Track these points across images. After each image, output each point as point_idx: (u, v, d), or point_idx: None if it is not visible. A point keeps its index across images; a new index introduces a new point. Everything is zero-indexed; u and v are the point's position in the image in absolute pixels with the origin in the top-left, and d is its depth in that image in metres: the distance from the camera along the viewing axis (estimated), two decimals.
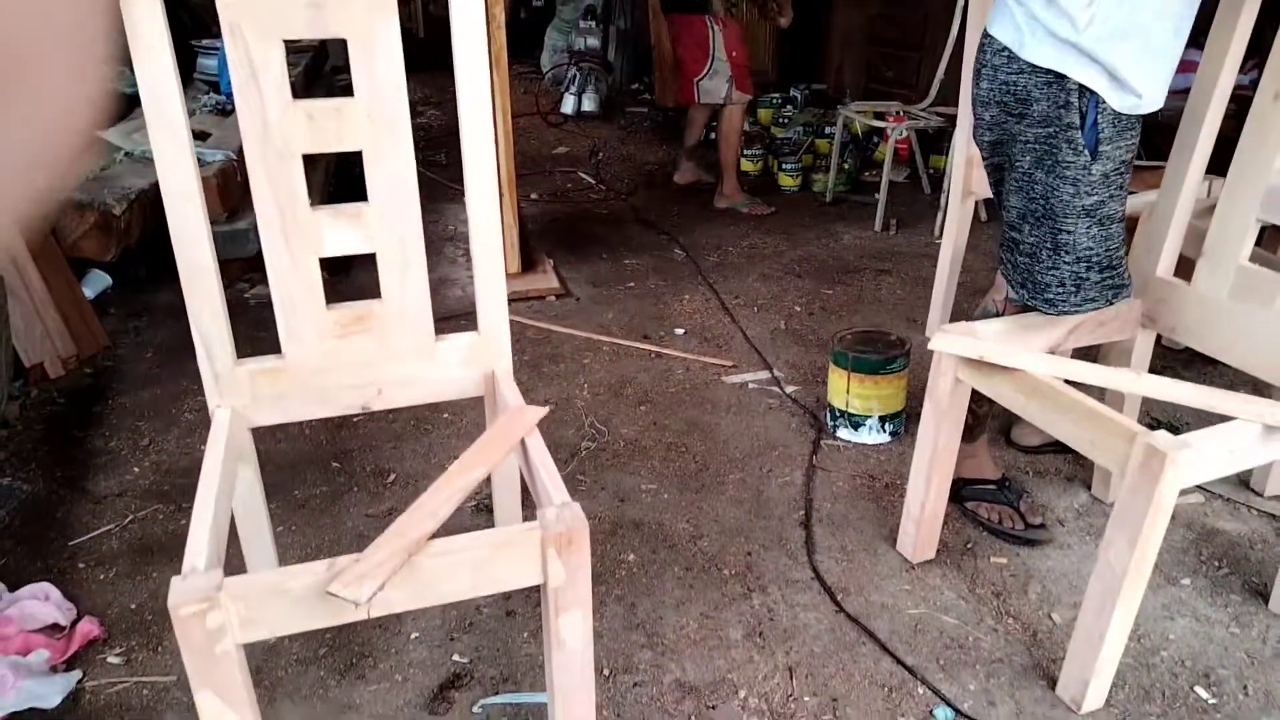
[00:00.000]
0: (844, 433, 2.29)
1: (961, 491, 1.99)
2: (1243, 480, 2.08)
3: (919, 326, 2.86)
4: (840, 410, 2.29)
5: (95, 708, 1.51)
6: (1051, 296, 1.67)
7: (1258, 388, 1.78)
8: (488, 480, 1.91)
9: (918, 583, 1.79)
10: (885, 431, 2.27)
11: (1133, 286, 1.73)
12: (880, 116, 4.09)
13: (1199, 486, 2.07)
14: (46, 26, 0.28)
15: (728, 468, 2.17)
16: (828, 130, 4.50)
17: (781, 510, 2.01)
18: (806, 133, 4.78)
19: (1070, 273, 1.64)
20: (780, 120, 5.07)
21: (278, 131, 1.37)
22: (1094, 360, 1.86)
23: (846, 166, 4.39)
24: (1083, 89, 1.53)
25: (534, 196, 4.31)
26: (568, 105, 5.96)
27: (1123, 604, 1.41)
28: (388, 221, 1.47)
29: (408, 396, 1.58)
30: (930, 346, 1.66)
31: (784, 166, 4.45)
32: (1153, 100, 1.57)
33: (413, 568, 1.14)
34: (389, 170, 1.44)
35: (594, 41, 6.69)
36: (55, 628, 1.65)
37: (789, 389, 2.53)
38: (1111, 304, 1.70)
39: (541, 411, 1.43)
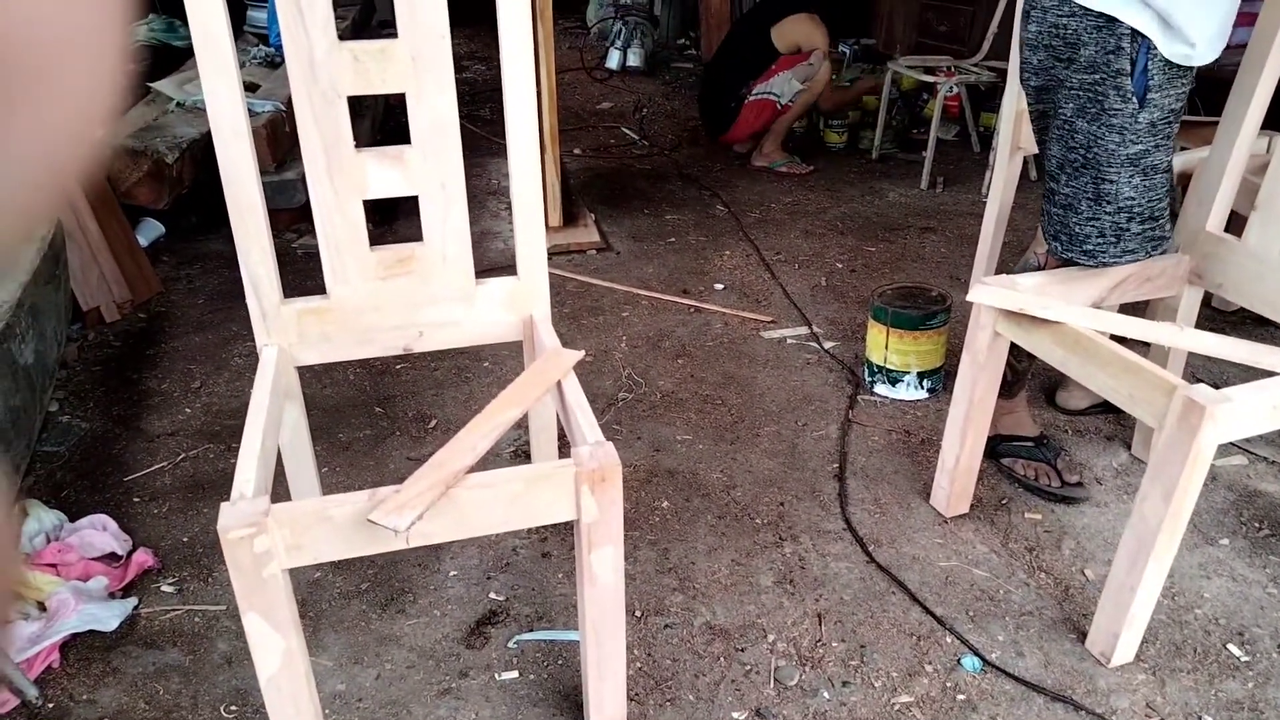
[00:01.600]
0: (881, 388, 2.29)
1: (998, 448, 1.98)
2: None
3: (962, 285, 2.83)
4: (878, 366, 2.28)
5: (150, 632, 1.58)
6: (1091, 248, 1.64)
7: None
8: (525, 427, 1.95)
9: (950, 536, 1.79)
10: (923, 388, 2.26)
11: (1174, 240, 1.69)
12: (930, 72, 4.00)
13: (1243, 449, 2.04)
14: (63, 23, 0.28)
15: (763, 420, 2.18)
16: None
17: (816, 463, 2.02)
18: (864, 86, 4.68)
19: (1111, 223, 1.61)
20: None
21: (324, 72, 1.39)
22: (1142, 317, 1.83)
23: (895, 123, 4.31)
24: (1134, 34, 1.49)
25: (577, 151, 4.30)
26: (613, 60, 5.92)
27: (1155, 558, 1.41)
28: (430, 164, 1.49)
29: (448, 339, 1.61)
30: (968, 298, 1.65)
31: (831, 123, 4.38)
32: (1207, 51, 1.52)
33: (451, 500, 1.18)
34: (431, 113, 1.46)
35: None
36: (113, 557, 1.73)
37: (827, 345, 2.53)
38: (1151, 255, 1.67)
39: (578, 355, 1.46)
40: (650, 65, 5.93)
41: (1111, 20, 1.50)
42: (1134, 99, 1.53)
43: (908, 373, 2.25)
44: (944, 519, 1.84)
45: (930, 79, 3.94)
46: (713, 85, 4.13)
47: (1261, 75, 1.65)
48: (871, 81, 4.36)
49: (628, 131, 4.63)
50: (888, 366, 2.26)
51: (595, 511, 1.22)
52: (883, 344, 2.25)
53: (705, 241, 3.24)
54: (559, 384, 1.41)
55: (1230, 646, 1.53)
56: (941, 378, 2.28)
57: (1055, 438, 2.04)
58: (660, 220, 3.45)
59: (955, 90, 4.09)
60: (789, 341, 2.55)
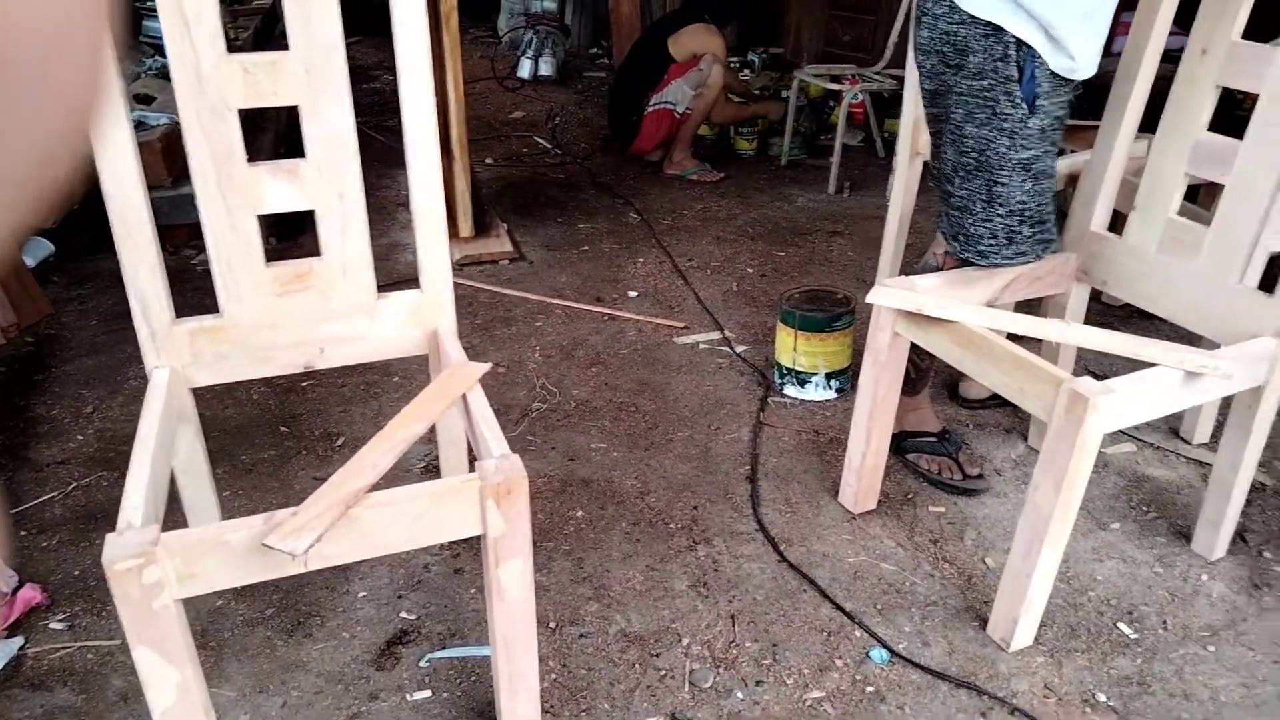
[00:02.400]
0: (791, 390, 2.33)
1: (903, 444, 2.03)
2: (1173, 429, 2.15)
3: (868, 287, 2.86)
4: (787, 368, 2.32)
5: (38, 673, 1.51)
6: (984, 248, 1.70)
7: (1191, 342, 1.83)
8: (435, 441, 1.92)
9: (858, 532, 1.83)
10: (831, 388, 2.31)
11: (1061, 241, 1.76)
12: (836, 80, 4.10)
13: (1132, 436, 2.14)
14: (49, 15, 0.27)
15: (677, 426, 2.19)
16: (785, 94, 4.50)
17: (728, 466, 2.04)
18: (764, 96, 4.77)
19: (1003, 225, 1.68)
20: (742, 81, 5.05)
21: (212, 85, 1.35)
22: (1036, 314, 1.90)
23: (803, 130, 4.40)
24: (1020, 43, 1.55)
25: (489, 161, 4.27)
26: (524, 69, 5.89)
27: (1049, 545, 1.46)
28: (326, 177, 1.46)
29: (350, 354, 1.58)
30: (868, 300, 1.69)
31: (740, 131, 4.45)
32: (1087, 66, 1.59)
33: (351, 520, 1.16)
34: (327, 126, 1.43)
35: (550, 4, 6.61)
36: None
37: (739, 349, 2.56)
38: (1041, 258, 1.74)
39: (484, 367, 1.44)
40: (562, 74, 5.93)
41: (998, 29, 1.55)
42: (1024, 105, 1.59)
43: (816, 374, 2.29)
44: (852, 516, 1.88)
45: (835, 87, 4.03)
46: (618, 99, 4.18)
47: (1135, 82, 1.73)
48: (767, 108, 4.45)
49: (540, 140, 4.62)
50: (796, 368, 2.30)
51: (502, 525, 1.21)
52: (791, 346, 2.29)
53: (619, 249, 3.26)
54: (464, 397, 1.40)
55: (1121, 625, 1.60)
56: (849, 377, 2.33)
57: (957, 431, 2.10)
58: (574, 229, 3.45)
59: (860, 97, 4.19)
60: (702, 347, 2.58)
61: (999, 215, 1.67)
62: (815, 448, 2.12)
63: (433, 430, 1.67)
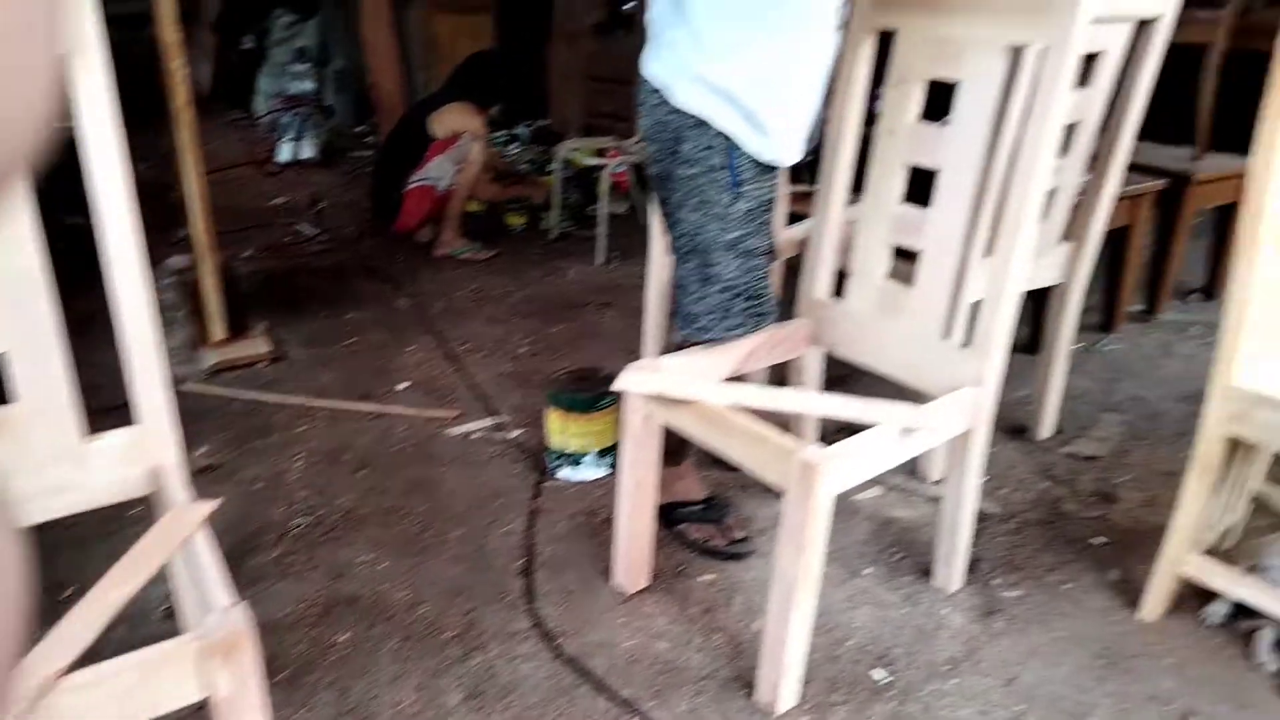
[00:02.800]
0: (565, 471, 2.34)
1: (671, 515, 2.08)
2: (911, 471, 2.33)
3: (637, 357, 2.98)
4: (559, 451, 2.33)
5: None
6: (702, 324, 1.80)
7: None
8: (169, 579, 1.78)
9: (633, 613, 1.85)
10: (604, 464, 2.34)
11: (775, 315, 1.88)
12: (600, 153, 4.23)
13: (879, 481, 2.30)
14: None
15: (450, 525, 2.15)
16: (551, 167, 4.59)
17: (503, 561, 2.02)
18: (532, 170, 4.86)
19: (718, 302, 1.78)
20: (505, 159, 5.11)
21: None
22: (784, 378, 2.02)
23: (571, 202, 4.50)
24: (726, 135, 1.66)
25: (248, 254, 4.07)
26: (284, 153, 5.70)
27: (797, 608, 1.53)
28: (13, 315, 1.33)
29: (58, 507, 1.44)
30: (614, 388, 1.74)
31: (510, 206, 4.50)
32: (790, 153, 1.73)
33: (48, 710, 1.04)
34: (10, 256, 1.31)
35: (308, 85, 6.46)
36: None
37: (513, 434, 2.55)
38: (757, 329, 1.85)
39: (208, 507, 1.35)
40: (326, 155, 5.78)
41: (705, 121, 1.66)
42: (729, 191, 1.70)
43: (588, 453, 2.32)
44: (626, 596, 1.90)
45: (596, 162, 4.16)
46: (380, 177, 4.14)
47: (839, 157, 1.90)
48: (528, 190, 4.54)
49: (304, 228, 4.46)
50: (568, 450, 2.32)
51: (228, 687, 1.13)
52: (561, 429, 2.31)
53: (388, 339, 3.18)
54: (187, 543, 1.30)
55: (874, 671, 1.69)
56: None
57: (723, 495, 2.18)
58: (340, 320, 3.34)
59: (622, 168, 4.35)
60: (475, 436, 2.55)
61: (714, 293, 1.77)
62: (590, 530, 2.13)
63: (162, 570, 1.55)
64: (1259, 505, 2.07)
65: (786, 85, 1.64)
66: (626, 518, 1.86)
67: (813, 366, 2.06)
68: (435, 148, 3.94)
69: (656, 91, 1.71)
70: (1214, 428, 1.66)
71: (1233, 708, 1.63)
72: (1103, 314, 3.21)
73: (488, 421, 2.63)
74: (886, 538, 2.09)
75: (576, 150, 4.27)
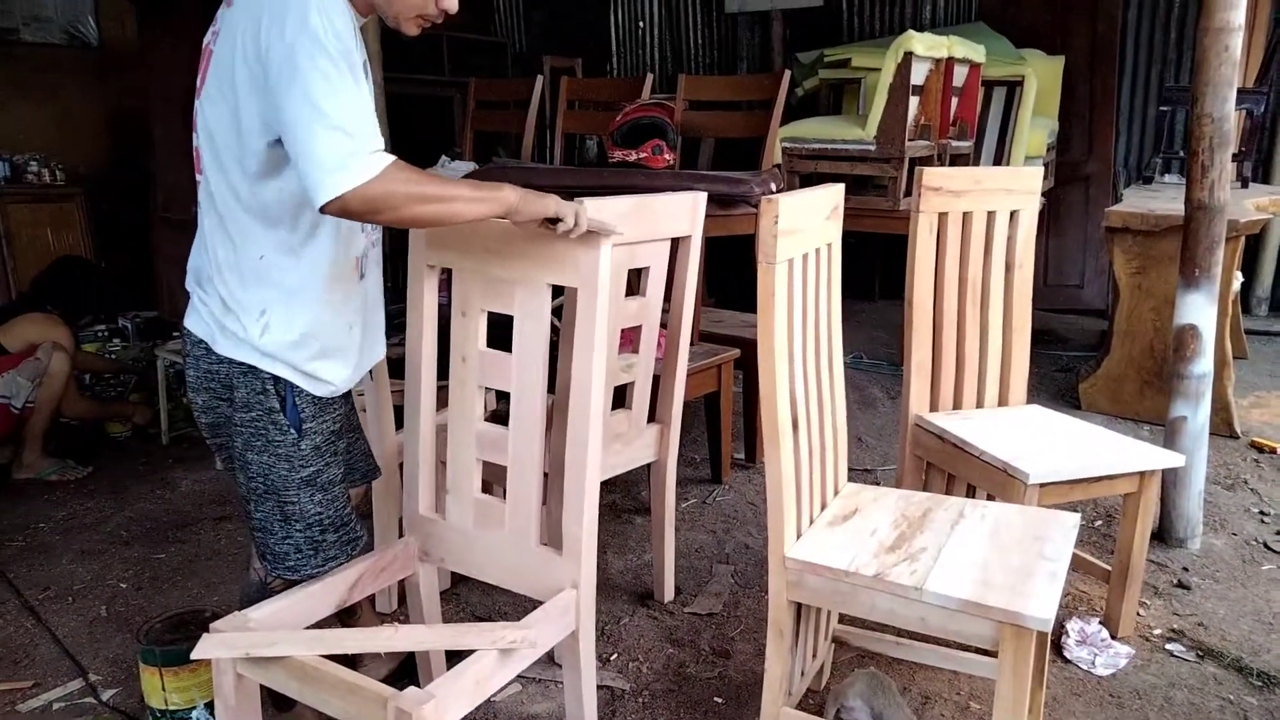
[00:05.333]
0: None
1: None
2: (551, 658, 2.36)
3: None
4: (160, 710, 2.08)
5: None
6: (292, 563, 1.74)
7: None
8: None
9: None
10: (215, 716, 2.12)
11: (364, 537, 1.86)
12: None
13: (522, 677, 2.30)
14: None
15: None
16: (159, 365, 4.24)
17: None
18: (139, 366, 4.46)
19: (305, 538, 1.74)
20: (109, 355, 4.65)
21: None
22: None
23: (185, 400, 4.17)
24: (276, 378, 1.65)
25: None
26: None
27: None
28: None
29: None
30: (194, 655, 1.60)
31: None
32: (347, 382, 1.76)
33: None
34: None
35: None
36: None
37: (107, 694, 2.24)
38: (352, 557, 1.83)
39: None
40: None
41: (254, 367, 1.64)
42: (292, 430, 1.68)
43: (194, 708, 2.09)
44: None
45: None
46: None
47: (421, 384, 1.95)
48: (129, 409, 4.14)
49: None
50: (171, 709, 2.07)
51: None
52: (159, 686, 2.06)
53: None
54: None
55: None
56: None
57: None
58: None
59: None
60: (56, 707, 2.20)
61: (298, 531, 1.73)
62: None
63: None
64: (840, 643, 2.36)
65: (317, 338, 1.66)
66: None
67: (428, 582, 2.05)
68: (4, 362, 3.50)
69: (201, 343, 1.67)
70: (778, 594, 1.88)
71: None
72: (711, 468, 3.56)
73: (74, 685, 2.29)
74: None
75: (173, 352, 3.97)
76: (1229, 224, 2.99)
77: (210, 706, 2.11)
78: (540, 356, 1.74)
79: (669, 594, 2.70)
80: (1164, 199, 4.29)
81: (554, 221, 1.62)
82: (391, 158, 1.47)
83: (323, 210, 1.45)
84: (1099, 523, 3.17)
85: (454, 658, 1.66)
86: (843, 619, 2.38)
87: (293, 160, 1.46)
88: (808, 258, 1.89)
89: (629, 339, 2.46)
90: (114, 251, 5.40)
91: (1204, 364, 2.88)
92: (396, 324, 1.95)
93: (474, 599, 2.68)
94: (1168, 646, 2.43)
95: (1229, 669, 2.34)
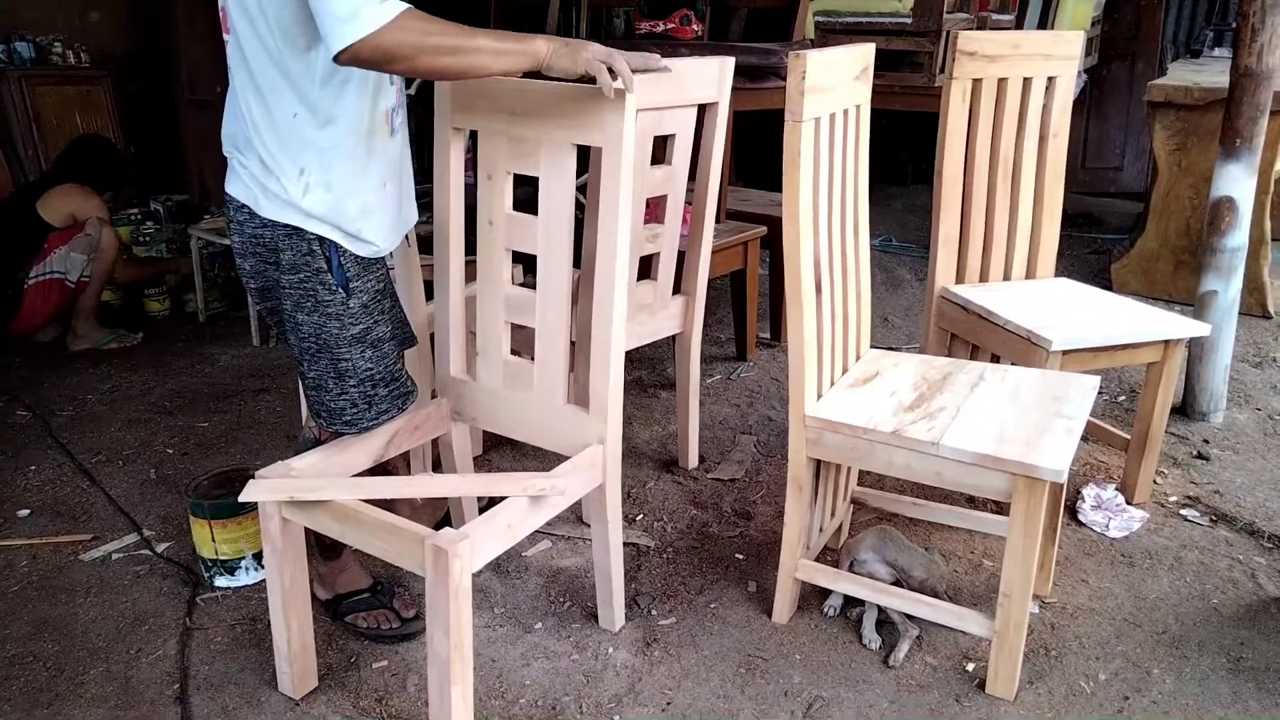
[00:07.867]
0: (221, 580, 2.22)
1: (338, 608, 2.05)
2: (578, 517, 2.47)
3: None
4: (211, 560, 2.21)
5: None
6: (349, 418, 1.81)
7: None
8: None
9: (303, 717, 1.80)
10: (263, 568, 2.24)
11: (416, 392, 1.93)
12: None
13: (546, 533, 2.41)
14: None
15: (88, 663, 1.96)
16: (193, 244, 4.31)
17: (154, 692, 1.87)
18: (171, 250, 4.53)
19: (359, 394, 1.80)
20: (141, 239, 4.71)
21: None
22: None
23: (219, 280, 4.25)
24: (321, 239, 1.68)
25: None
26: None
27: (457, 685, 1.58)
28: None
29: None
30: (241, 498, 1.69)
31: (149, 292, 4.16)
32: (387, 242, 1.79)
33: None
34: None
35: None
36: None
37: (161, 548, 2.37)
38: (404, 411, 1.89)
39: None
40: None
41: (298, 229, 1.67)
42: (340, 290, 1.72)
43: (243, 558, 2.22)
44: (295, 702, 1.84)
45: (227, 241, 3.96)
46: None
47: (449, 245, 1.98)
48: (170, 265, 4.26)
49: None
50: (221, 558, 2.20)
51: None
52: (209, 537, 2.19)
53: (3, 461, 2.82)
54: None
55: None
56: None
57: (389, 577, 2.18)
58: None
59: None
60: (115, 557, 2.34)
61: (352, 387, 1.79)
62: (252, 638, 2.04)
63: None
64: (858, 504, 2.44)
65: (356, 195, 1.68)
66: (282, 624, 1.81)
67: (461, 440, 2.12)
68: (55, 239, 3.57)
69: (244, 207, 1.70)
70: (798, 452, 1.94)
71: (848, 688, 1.90)
72: (736, 346, 3.60)
73: (130, 538, 2.42)
74: (556, 589, 2.20)
75: (208, 231, 4.03)
76: (1275, 95, 2.89)
77: (258, 557, 2.24)
78: (566, 218, 1.76)
79: (693, 461, 2.79)
80: (1211, 72, 4.15)
81: (592, 80, 1.60)
82: (405, 6, 1.46)
83: (336, 60, 1.46)
84: (1121, 398, 3.19)
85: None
86: (861, 480, 2.45)
87: (313, 12, 1.46)
88: (835, 118, 1.87)
89: (654, 211, 2.47)
90: (142, 135, 5.39)
91: (1238, 238, 2.84)
92: (424, 203, 1.96)
93: (505, 465, 2.78)
94: (1182, 512, 2.48)
95: (1241, 533, 2.39)
